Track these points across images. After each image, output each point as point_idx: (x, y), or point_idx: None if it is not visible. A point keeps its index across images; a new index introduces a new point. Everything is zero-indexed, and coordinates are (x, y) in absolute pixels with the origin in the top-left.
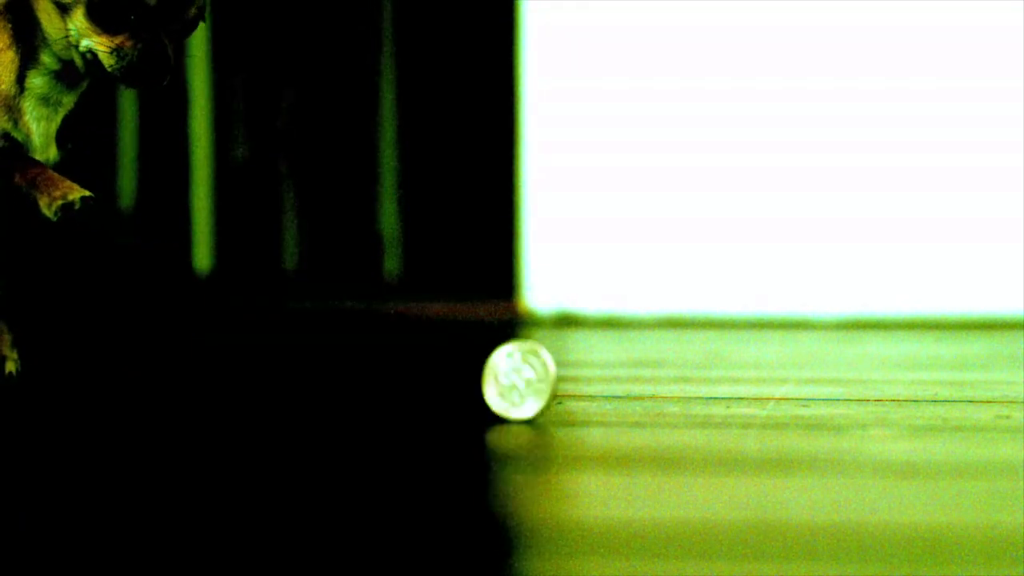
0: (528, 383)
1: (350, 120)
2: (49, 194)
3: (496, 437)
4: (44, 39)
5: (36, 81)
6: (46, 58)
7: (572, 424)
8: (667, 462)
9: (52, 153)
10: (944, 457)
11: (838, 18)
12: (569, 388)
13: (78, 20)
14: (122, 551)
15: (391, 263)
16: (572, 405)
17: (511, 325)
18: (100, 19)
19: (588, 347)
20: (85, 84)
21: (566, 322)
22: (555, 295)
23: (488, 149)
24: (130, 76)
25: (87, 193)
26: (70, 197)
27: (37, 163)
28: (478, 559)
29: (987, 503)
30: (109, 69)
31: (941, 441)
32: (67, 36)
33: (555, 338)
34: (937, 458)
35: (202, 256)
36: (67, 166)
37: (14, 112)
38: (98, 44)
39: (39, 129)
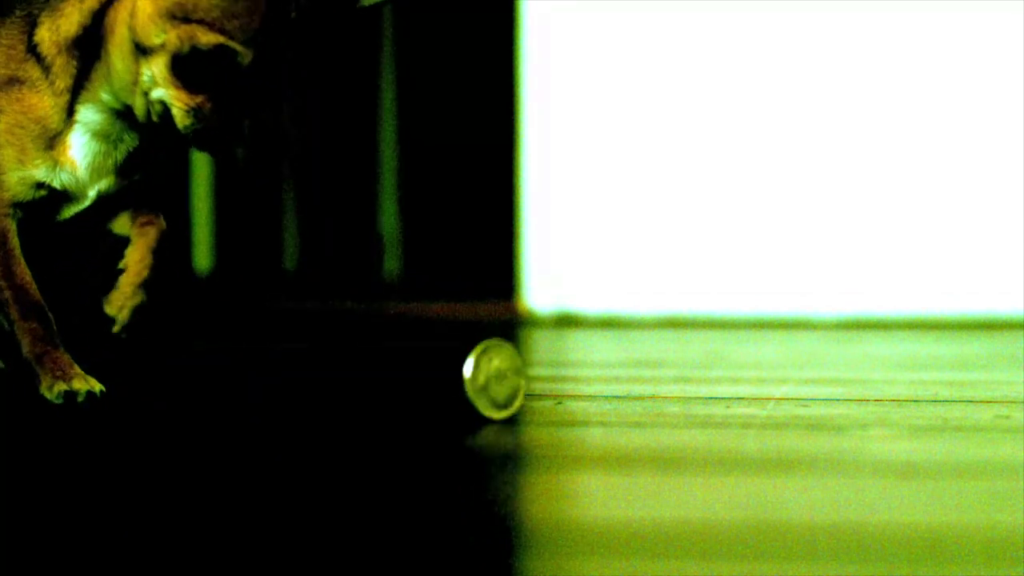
0: (500, 376)
1: (350, 120)
2: (53, 376)
3: (496, 437)
4: (108, 76)
5: (89, 115)
6: (104, 95)
7: (572, 424)
8: (667, 462)
9: (105, 185)
10: (944, 457)
11: (839, 18)
12: (569, 388)
13: (157, 68)
14: (105, 542)
15: (391, 263)
16: (572, 405)
17: (511, 325)
18: (184, 74)
19: (588, 347)
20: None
21: (566, 322)
22: (555, 295)
23: (488, 149)
24: (201, 140)
25: (97, 387)
26: (75, 387)
27: (47, 326)
28: (478, 559)
29: (987, 503)
30: (181, 129)
31: (941, 441)
32: (137, 80)
33: (555, 338)
34: (937, 458)
35: (202, 256)
36: (128, 194)
37: (57, 145)
38: (174, 99)
39: (87, 163)
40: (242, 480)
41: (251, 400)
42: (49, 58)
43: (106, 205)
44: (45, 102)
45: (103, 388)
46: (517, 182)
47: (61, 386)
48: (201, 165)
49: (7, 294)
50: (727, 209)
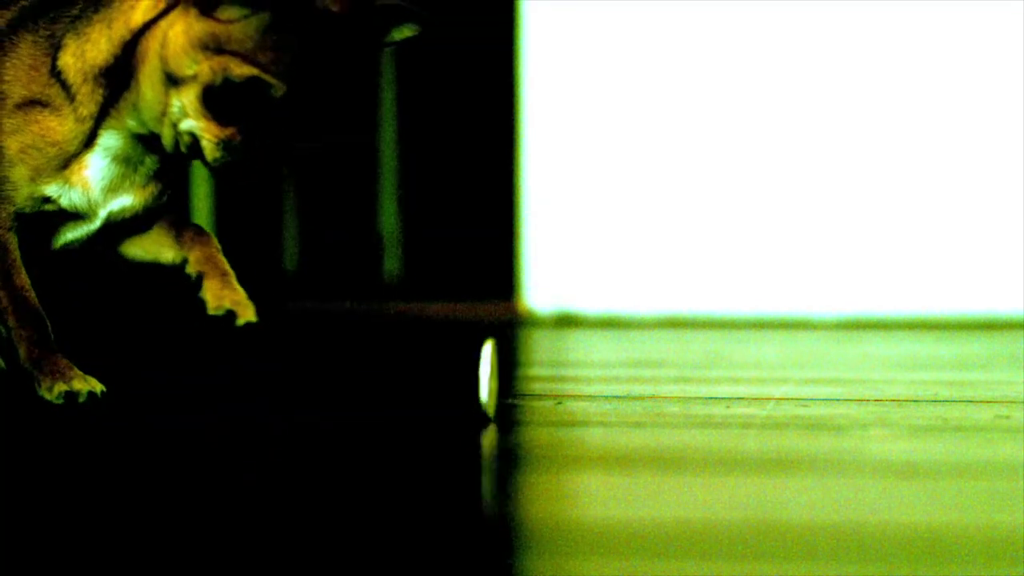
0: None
1: (350, 120)
2: (52, 377)
3: (496, 437)
4: (137, 104)
5: (111, 141)
6: (130, 121)
7: (572, 424)
8: (667, 462)
9: (119, 207)
10: (944, 457)
11: (839, 18)
12: (569, 388)
13: (187, 98)
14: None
15: (391, 263)
16: (572, 405)
17: (511, 325)
18: (215, 106)
19: (588, 347)
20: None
21: (566, 322)
22: (555, 295)
23: (488, 149)
24: (229, 172)
25: (97, 388)
26: (75, 387)
27: (44, 333)
28: (478, 559)
29: (987, 503)
30: (211, 161)
31: (941, 441)
32: (166, 110)
33: (555, 338)
34: (937, 458)
35: None
36: (144, 217)
37: (72, 165)
38: (204, 131)
39: (103, 184)
40: (242, 479)
41: (250, 398)
42: (75, 86)
43: (119, 227)
44: (66, 127)
45: (103, 388)
46: (517, 182)
47: (61, 386)
48: (200, 166)
49: (5, 303)
50: (727, 209)
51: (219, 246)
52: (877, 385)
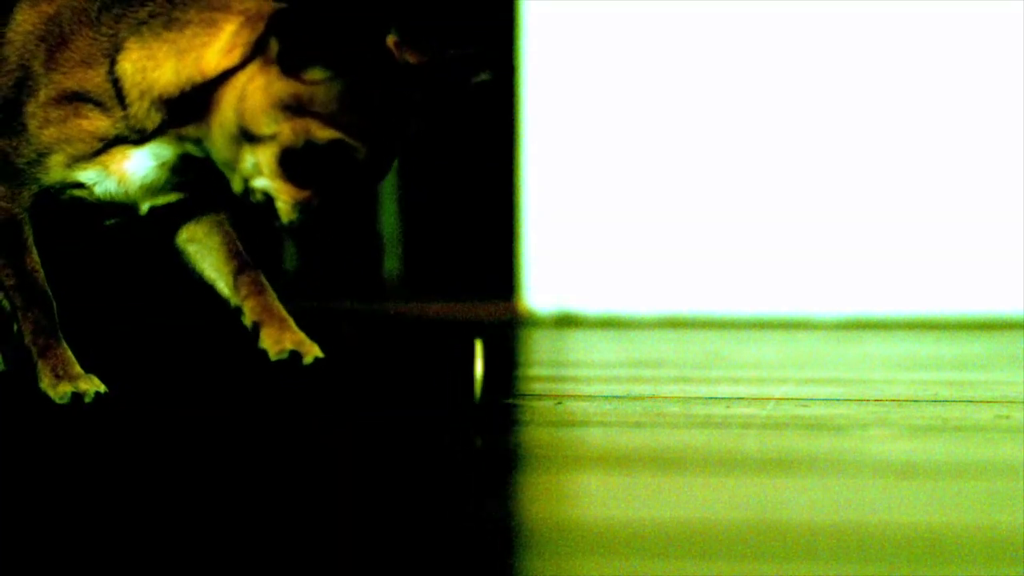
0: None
1: None
2: (55, 374)
3: (496, 437)
4: (203, 142)
5: (164, 151)
6: (191, 147)
7: (572, 424)
8: (667, 462)
9: (162, 201)
10: (944, 457)
11: (840, 19)
12: (569, 388)
13: (264, 157)
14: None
15: (391, 263)
16: (572, 405)
17: (511, 325)
18: (292, 167)
19: (588, 347)
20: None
21: (566, 322)
22: (555, 295)
23: (488, 149)
24: (301, 233)
25: (102, 388)
26: (81, 388)
27: (49, 316)
28: (479, 559)
29: (987, 503)
30: (285, 222)
31: (941, 441)
32: (237, 163)
33: (555, 338)
34: (937, 458)
35: None
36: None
37: (115, 153)
38: (280, 192)
39: (143, 182)
40: (242, 478)
41: (250, 397)
42: (130, 98)
43: (166, 219)
44: (115, 128)
45: (106, 389)
46: (517, 182)
47: (67, 387)
48: None
49: (13, 281)
50: (727, 209)
51: (273, 292)
52: (877, 385)
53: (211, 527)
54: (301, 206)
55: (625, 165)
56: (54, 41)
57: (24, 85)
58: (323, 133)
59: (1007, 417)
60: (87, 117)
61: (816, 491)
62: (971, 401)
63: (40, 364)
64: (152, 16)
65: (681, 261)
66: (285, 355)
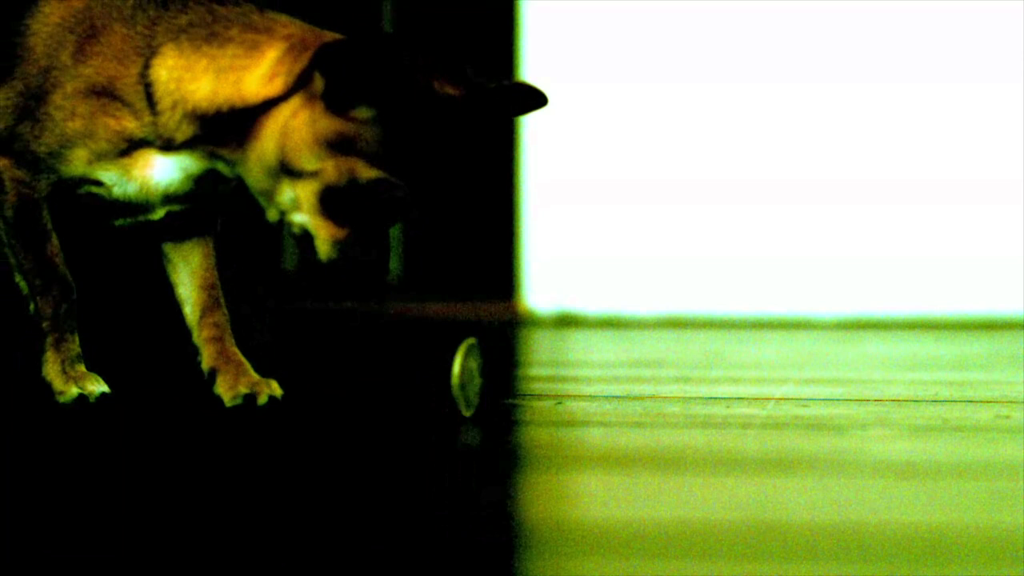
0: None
1: None
2: (64, 371)
3: (496, 438)
4: (237, 166)
5: (191, 163)
6: (221, 166)
7: (572, 424)
8: (667, 462)
9: (177, 207)
10: (944, 457)
11: (840, 20)
12: (569, 388)
13: (304, 193)
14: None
15: (391, 263)
16: (572, 405)
17: (511, 325)
18: (332, 204)
19: (588, 347)
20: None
21: (566, 322)
22: (555, 295)
23: (488, 149)
24: (337, 271)
25: (104, 389)
26: (88, 388)
27: (69, 300)
28: (479, 558)
29: (987, 503)
30: (323, 259)
31: (941, 441)
32: (275, 195)
33: (555, 338)
34: (937, 458)
35: None
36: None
37: (138, 158)
38: (319, 229)
39: (164, 189)
40: (243, 479)
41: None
42: (161, 106)
43: (174, 225)
44: (142, 131)
45: (107, 389)
46: (517, 182)
47: (73, 390)
48: None
49: (31, 265)
50: (727, 210)
51: (232, 336)
52: (877, 385)
53: (210, 527)
54: (342, 247)
55: (625, 165)
56: (84, 33)
57: (50, 75)
58: (368, 173)
59: (1007, 417)
60: (114, 116)
61: (816, 491)
62: (971, 401)
63: (50, 355)
64: (192, 25)
65: (681, 261)
66: (240, 400)
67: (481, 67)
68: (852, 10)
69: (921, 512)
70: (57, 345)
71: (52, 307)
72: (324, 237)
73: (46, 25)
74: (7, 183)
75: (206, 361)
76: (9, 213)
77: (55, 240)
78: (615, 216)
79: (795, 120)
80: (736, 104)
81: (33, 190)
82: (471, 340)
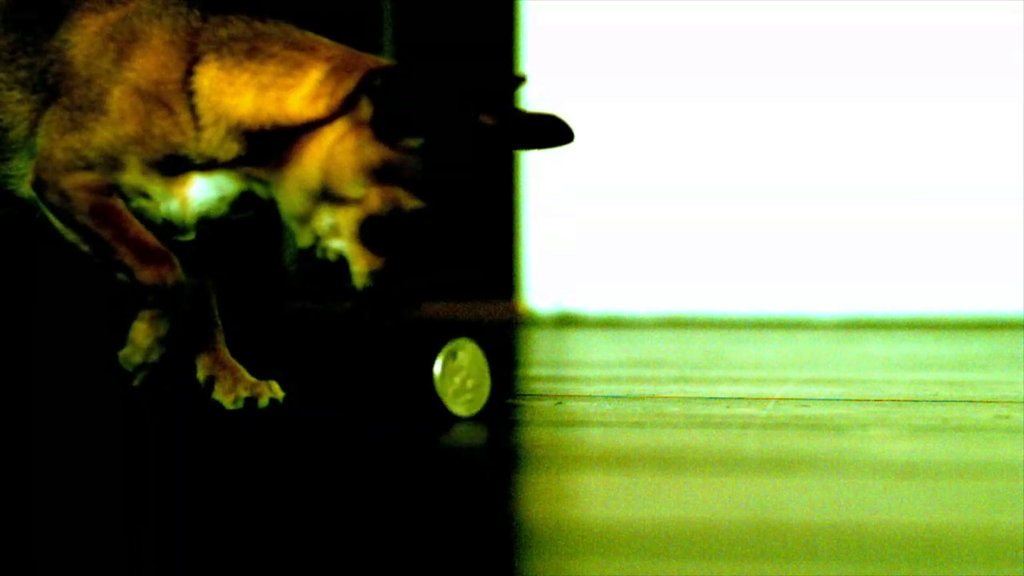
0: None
1: None
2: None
3: (496, 438)
4: (273, 188)
5: (227, 184)
6: (258, 187)
7: (572, 424)
8: (667, 462)
9: (191, 235)
10: (944, 457)
11: (841, 22)
12: (569, 388)
13: (344, 220)
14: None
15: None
16: (572, 405)
17: (511, 325)
18: (370, 234)
19: (588, 347)
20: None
21: (566, 322)
22: (555, 295)
23: (488, 148)
24: (369, 301)
25: (156, 355)
26: (134, 360)
27: (171, 265)
28: (479, 559)
29: (987, 503)
30: (359, 286)
31: (941, 441)
32: (311, 219)
33: (555, 338)
34: (937, 458)
35: None
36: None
37: (181, 177)
38: (357, 257)
39: (199, 208)
40: (243, 479)
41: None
42: (207, 127)
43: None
44: (185, 143)
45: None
46: (517, 182)
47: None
48: None
49: (121, 249)
50: (727, 209)
51: (224, 344)
52: (877, 385)
53: (211, 527)
54: (377, 278)
55: (625, 165)
56: (124, 39)
57: (94, 84)
58: (411, 203)
59: (1007, 417)
60: (161, 120)
61: (816, 491)
62: (971, 401)
63: (148, 312)
64: (232, 39)
65: (681, 261)
66: (240, 404)
67: (483, 71)
68: (853, 11)
69: (921, 512)
70: (158, 300)
71: (155, 277)
72: (362, 265)
73: (85, 36)
74: (72, 194)
75: (202, 371)
76: (84, 220)
77: (139, 224)
78: (615, 216)
79: (795, 120)
80: (736, 105)
81: (101, 191)
82: (461, 340)
